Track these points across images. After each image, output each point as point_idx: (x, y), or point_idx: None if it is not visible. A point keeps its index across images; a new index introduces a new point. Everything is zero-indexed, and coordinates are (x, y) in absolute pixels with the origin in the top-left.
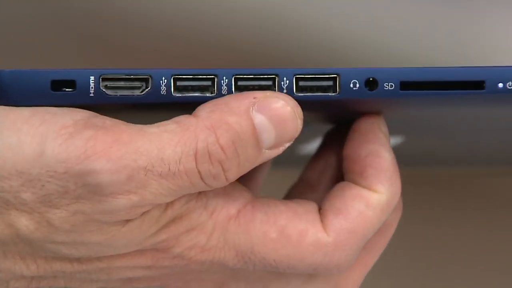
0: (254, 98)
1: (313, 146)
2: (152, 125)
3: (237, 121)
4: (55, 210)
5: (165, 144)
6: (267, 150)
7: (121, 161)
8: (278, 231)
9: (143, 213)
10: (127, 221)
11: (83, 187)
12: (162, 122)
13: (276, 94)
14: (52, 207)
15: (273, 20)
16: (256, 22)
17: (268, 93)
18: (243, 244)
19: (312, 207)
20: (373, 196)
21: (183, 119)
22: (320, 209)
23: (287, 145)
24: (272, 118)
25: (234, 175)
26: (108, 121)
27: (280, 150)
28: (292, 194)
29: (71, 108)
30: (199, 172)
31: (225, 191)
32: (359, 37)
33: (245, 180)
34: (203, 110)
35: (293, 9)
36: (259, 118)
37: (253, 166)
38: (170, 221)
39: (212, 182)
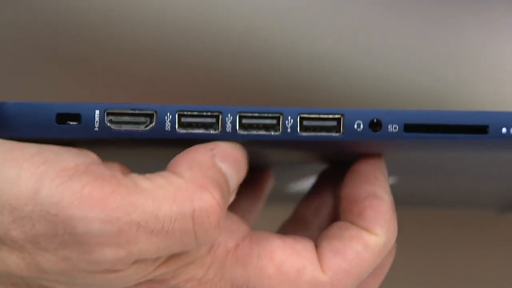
0: (212, 149)
1: (305, 184)
2: (144, 177)
3: (214, 175)
4: (44, 253)
5: (161, 201)
6: (230, 197)
7: (115, 213)
8: (275, 267)
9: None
10: (119, 270)
11: (70, 234)
12: (151, 176)
13: (226, 142)
14: (41, 249)
15: (278, 58)
16: (262, 60)
17: (218, 142)
18: (240, 278)
19: (309, 244)
20: (371, 238)
21: (170, 176)
22: (316, 247)
23: (237, 188)
24: (232, 164)
25: (223, 229)
26: (107, 171)
27: (235, 194)
28: (285, 230)
29: (77, 150)
30: (194, 231)
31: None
32: (363, 78)
33: (242, 213)
34: (181, 169)
35: (298, 48)
36: (224, 167)
37: None
38: (169, 258)
39: (205, 241)
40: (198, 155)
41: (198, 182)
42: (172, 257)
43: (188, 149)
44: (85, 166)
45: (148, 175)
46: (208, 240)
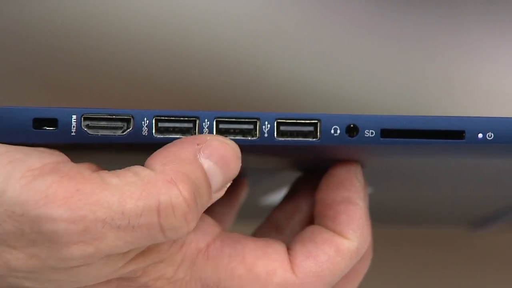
0: (198, 144)
1: (278, 197)
2: (113, 173)
3: (192, 170)
4: (12, 250)
5: (127, 197)
6: (214, 194)
7: (80, 211)
8: (246, 268)
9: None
10: (89, 264)
11: (38, 233)
12: (121, 172)
13: (216, 137)
14: (9, 247)
15: (256, 64)
16: (239, 66)
17: (208, 136)
18: (210, 279)
19: (281, 247)
20: (343, 243)
21: (141, 171)
22: (288, 249)
23: (228, 185)
24: (218, 162)
25: (194, 224)
26: (75, 168)
27: (223, 192)
28: (258, 233)
29: (46, 150)
30: (160, 225)
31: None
32: (340, 83)
33: (215, 217)
34: (156, 163)
35: (275, 54)
36: (207, 164)
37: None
38: (138, 254)
39: (173, 234)
40: (180, 150)
41: (168, 177)
42: (142, 254)
43: (173, 142)
44: (52, 166)
45: (117, 171)
46: (176, 234)
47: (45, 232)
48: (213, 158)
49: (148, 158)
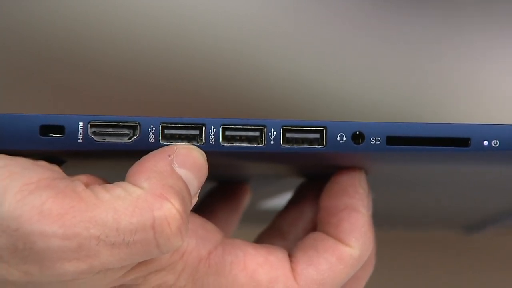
0: (169, 155)
1: (281, 201)
2: (103, 188)
3: (174, 182)
4: (8, 267)
5: (121, 214)
6: (192, 200)
7: (74, 228)
8: (248, 276)
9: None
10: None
11: (30, 250)
12: (111, 187)
13: (182, 145)
14: (4, 263)
15: (262, 70)
16: (245, 72)
17: (175, 146)
18: (212, 286)
19: (283, 254)
20: (345, 250)
21: (128, 187)
22: (290, 256)
23: (199, 190)
24: (191, 168)
25: (187, 235)
26: (70, 185)
27: (197, 197)
28: (262, 239)
29: (45, 164)
30: (156, 240)
31: (196, 233)
32: (346, 90)
33: (219, 224)
34: (139, 179)
35: (281, 61)
36: (183, 173)
37: None
38: (139, 263)
39: (168, 248)
40: (156, 163)
41: (157, 192)
42: (143, 262)
43: (146, 156)
44: (48, 181)
45: (107, 186)
46: (171, 247)
47: (38, 248)
48: (187, 166)
49: (128, 176)
